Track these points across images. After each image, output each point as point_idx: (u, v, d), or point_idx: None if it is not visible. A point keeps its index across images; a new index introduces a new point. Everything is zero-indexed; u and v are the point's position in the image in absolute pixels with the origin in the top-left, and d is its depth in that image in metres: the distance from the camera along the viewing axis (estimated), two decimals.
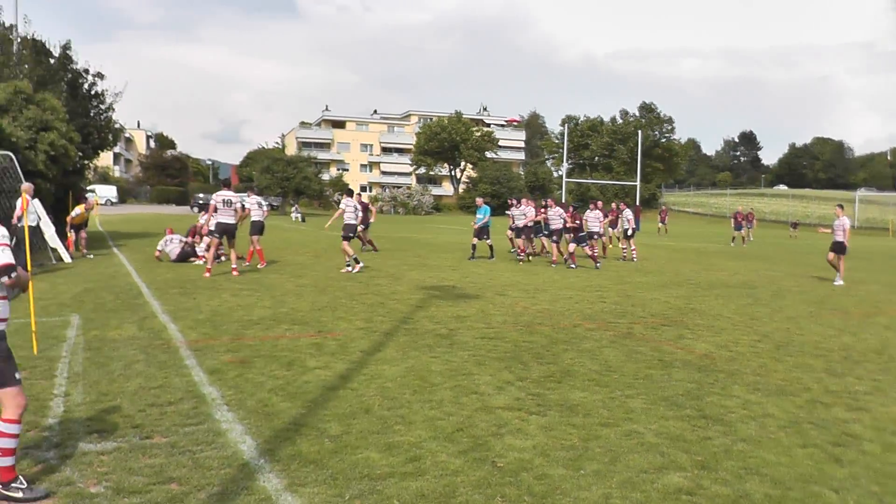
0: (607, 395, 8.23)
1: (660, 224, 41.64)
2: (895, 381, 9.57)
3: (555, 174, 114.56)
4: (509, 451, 6.22)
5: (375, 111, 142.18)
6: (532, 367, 9.42)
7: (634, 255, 27.38)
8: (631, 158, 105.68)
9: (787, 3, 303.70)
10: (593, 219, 25.89)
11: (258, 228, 20.91)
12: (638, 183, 77.66)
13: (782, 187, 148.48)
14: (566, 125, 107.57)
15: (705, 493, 5.58)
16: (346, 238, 20.51)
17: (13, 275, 5.10)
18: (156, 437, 6.34)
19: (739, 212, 43.27)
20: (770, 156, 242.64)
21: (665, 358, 10.30)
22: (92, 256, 22.10)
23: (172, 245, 21.70)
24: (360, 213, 22.72)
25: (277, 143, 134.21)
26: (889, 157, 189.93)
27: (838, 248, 21.53)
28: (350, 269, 19.96)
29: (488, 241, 25.06)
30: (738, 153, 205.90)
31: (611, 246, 31.81)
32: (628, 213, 27.13)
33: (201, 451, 6.04)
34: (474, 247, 25.59)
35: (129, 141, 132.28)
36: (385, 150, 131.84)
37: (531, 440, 6.53)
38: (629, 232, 27.69)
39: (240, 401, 7.48)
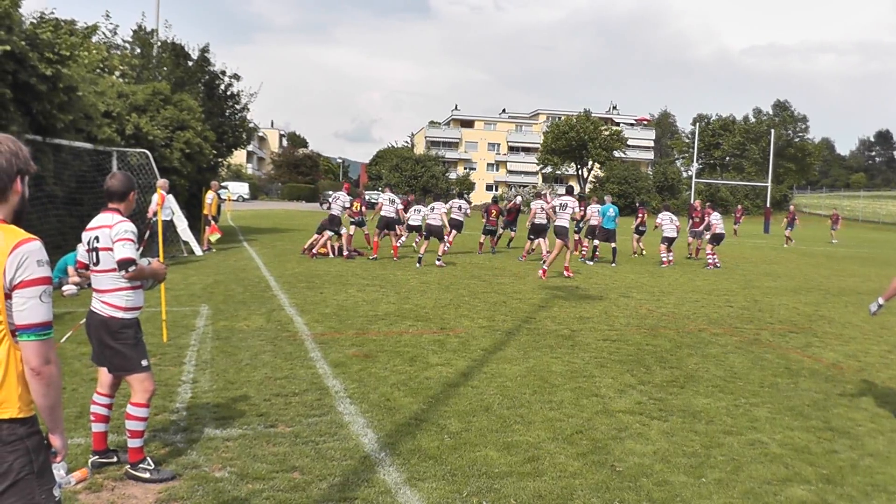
0: (731, 402, 8.07)
1: (786, 231, 40.20)
2: None
3: (684, 174, 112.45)
4: (629, 456, 6.17)
5: (504, 110, 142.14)
6: (655, 371, 9.30)
7: (716, 261, 24.53)
8: (763, 158, 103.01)
9: None
10: (667, 221, 24.54)
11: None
12: (769, 184, 75.42)
13: None
14: (697, 124, 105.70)
15: None
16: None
17: (132, 269, 5.32)
18: (280, 426, 6.52)
19: (791, 211, 42.77)
20: None
21: (792, 366, 10.03)
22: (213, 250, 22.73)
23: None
24: (399, 207, 23.81)
25: (406, 142, 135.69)
26: None
27: None
28: (439, 262, 20.74)
29: (613, 244, 24.41)
30: (874, 153, 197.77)
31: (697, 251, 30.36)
32: (715, 217, 25.76)
33: (324, 441, 6.19)
34: (595, 248, 24.79)
35: (262, 139, 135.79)
36: (512, 149, 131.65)
37: (652, 445, 6.46)
38: (708, 235, 25.85)
39: (362, 394, 7.63)
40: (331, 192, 33.26)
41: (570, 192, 20.94)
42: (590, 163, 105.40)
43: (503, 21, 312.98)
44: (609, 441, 6.51)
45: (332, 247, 22.09)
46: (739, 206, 49.95)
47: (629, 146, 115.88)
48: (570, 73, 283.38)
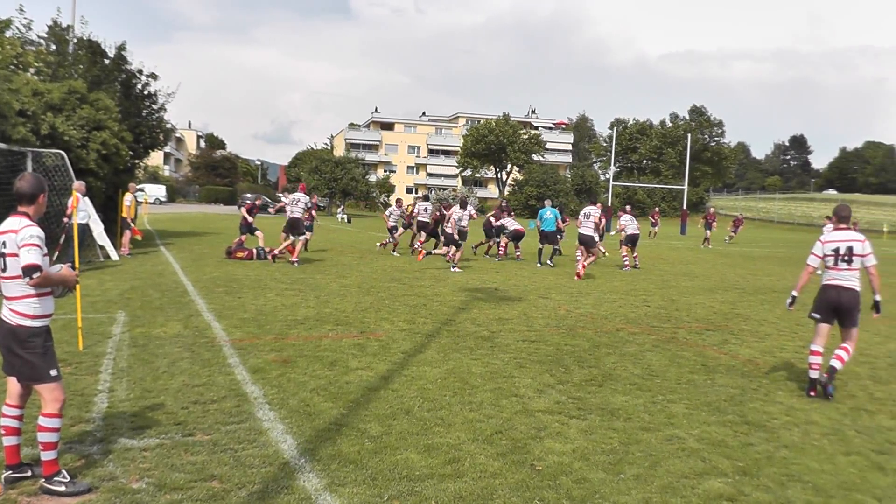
0: (649, 399, 8.19)
1: (706, 232, 41.20)
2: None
3: (602, 177, 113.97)
4: (549, 455, 6.21)
5: (424, 113, 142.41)
6: (573, 370, 9.39)
7: (636, 262, 24.93)
8: (679, 162, 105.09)
9: (843, 5, 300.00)
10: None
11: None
12: (685, 187, 76.90)
13: (832, 192, 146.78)
14: (615, 128, 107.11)
15: (747, 499, 5.56)
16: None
17: (36, 275, 5.16)
18: (198, 435, 6.41)
19: (711, 213, 44.31)
20: (820, 160, 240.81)
21: (708, 363, 10.23)
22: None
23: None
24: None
25: (326, 144, 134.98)
26: None
27: None
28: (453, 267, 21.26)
29: (555, 247, 24.52)
30: (788, 157, 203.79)
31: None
32: (625, 219, 26.02)
33: (243, 449, 6.10)
34: (541, 251, 24.81)
35: (179, 141, 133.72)
36: (432, 152, 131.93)
37: (571, 444, 6.52)
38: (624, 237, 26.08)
39: (282, 400, 7.54)
40: (249, 195, 32.61)
41: (593, 201, 21.72)
42: (509, 166, 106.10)
43: (424, 24, 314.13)
44: (529, 440, 6.55)
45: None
46: (656, 209, 50.80)
47: (548, 149, 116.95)
48: (491, 76, 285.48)
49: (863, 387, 9.37)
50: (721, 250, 38.99)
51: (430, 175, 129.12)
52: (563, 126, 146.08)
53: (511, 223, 26.42)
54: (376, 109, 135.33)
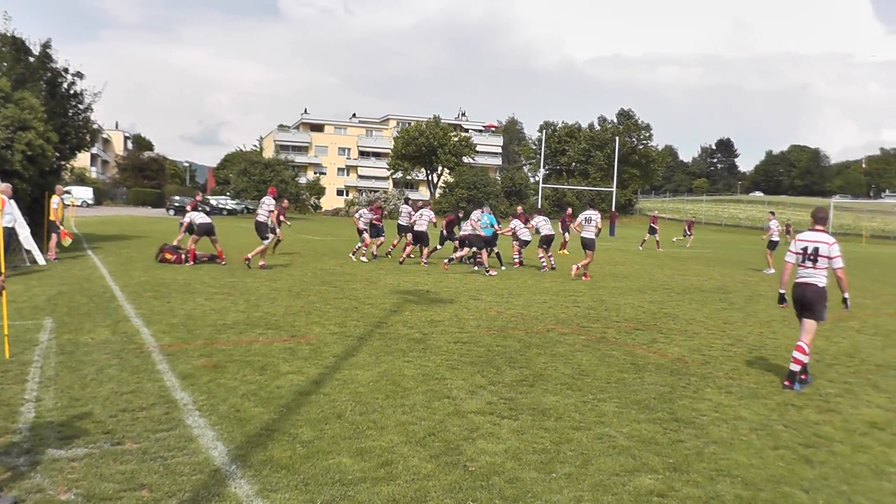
0: (580, 398, 8.27)
1: (655, 237, 41.76)
2: (866, 384, 9.73)
3: (531, 179, 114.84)
4: (481, 455, 6.23)
5: (354, 115, 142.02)
6: (505, 371, 9.44)
7: (552, 264, 25.06)
8: (608, 165, 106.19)
9: (767, 13, 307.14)
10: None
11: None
12: (614, 189, 77.89)
13: (758, 194, 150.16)
14: (544, 131, 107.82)
15: (677, 494, 5.64)
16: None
17: None
18: (127, 443, 6.30)
19: (655, 216, 45.11)
20: (747, 163, 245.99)
21: (638, 362, 10.36)
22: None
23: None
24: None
25: (255, 145, 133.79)
26: (864, 165, 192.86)
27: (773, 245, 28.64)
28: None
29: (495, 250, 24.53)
30: (715, 160, 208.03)
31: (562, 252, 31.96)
32: (538, 220, 26.29)
33: (173, 457, 6.01)
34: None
35: (106, 142, 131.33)
36: (363, 154, 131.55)
37: (503, 444, 6.55)
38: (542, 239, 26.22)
39: (212, 406, 7.45)
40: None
41: (592, 206, 22.79)
42: (439, 168, 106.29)
43: (353, 25, 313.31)
44: (461, 442, 6.57)
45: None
46: (569, 209, 51.18)
47: (478, 152, 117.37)
48: (421, 78, 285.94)
49: None
50: (650, 251, 39.51)
51: (361, 177, 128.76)
52: (493, 129, 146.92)
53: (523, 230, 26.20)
54: (306, 111, 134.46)
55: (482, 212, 23.48)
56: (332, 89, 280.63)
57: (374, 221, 26.09)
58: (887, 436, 7.52)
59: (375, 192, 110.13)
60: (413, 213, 25.64)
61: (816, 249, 9.44)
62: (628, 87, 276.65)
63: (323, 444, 6.37)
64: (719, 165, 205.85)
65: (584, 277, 21.79)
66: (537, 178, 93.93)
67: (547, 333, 12.37)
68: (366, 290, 16.92)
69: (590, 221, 21.86)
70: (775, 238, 29.06)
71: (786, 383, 9.28)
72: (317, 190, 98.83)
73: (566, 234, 34.49)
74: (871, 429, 7.72)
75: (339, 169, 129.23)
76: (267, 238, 21.49)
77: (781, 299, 10.17)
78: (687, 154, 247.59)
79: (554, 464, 6.13)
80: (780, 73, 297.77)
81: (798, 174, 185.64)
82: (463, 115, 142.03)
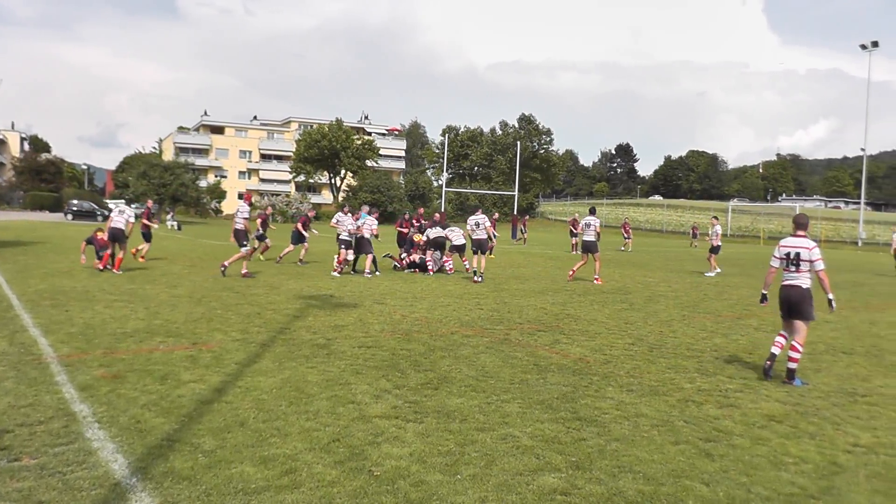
0: (484, 400, 8.32)
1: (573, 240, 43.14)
2: (764, 379, 10.01)
3: (435, 183, 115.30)
4: (386, 460, 6.22)
5: (255, 117, 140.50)
6: (409, 374, 9.44)
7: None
8: (510, 169, 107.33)
9: (664, 23, 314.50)
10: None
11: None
12: (516, 193, 78.72)
13: (657, 198, 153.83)
14: (447, 135, 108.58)
15: (580, 492, 5.71)
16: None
17: None
18: (24, 459, 6.09)
19: (575, 219, 46.45)
20: (646, 167, 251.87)
21: (541, 363, 10.48)
22: None
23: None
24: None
25: (154, 148, 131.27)
26: (761, 170, 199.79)
27: (716, 249, 28.81)
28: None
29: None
30: (615, 164, 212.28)
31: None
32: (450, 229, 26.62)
33: (72, 471, 5.84)
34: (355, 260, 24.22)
35: (2, 143, 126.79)
36: (264, 157, 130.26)
37: (408, 448, 6.55)
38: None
39: (112, 418, 7.26)
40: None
41: (592, 212, 24.14)
42: (342, 171, 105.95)
43: (254, 26, 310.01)
44: (366, 447, 6.54)
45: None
46: (496, 214, 51.61)
47: (381, 155, 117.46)
48: (323, 81, 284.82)
49: (690, 379, 9.84)
50: (550, 254, 40.04)
51: (263, 180, 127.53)
52: (396, 132, 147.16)
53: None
54: (206, 113, 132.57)
55: (362, 212, 23.54)
56: (233, 91, 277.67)
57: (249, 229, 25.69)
58: (785, 428, 7.77)
59: (277, 195, 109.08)
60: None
61: (798, 254, 10.06)
62: (529, 93, 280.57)
63: (225, 454, 6.27)
64: (619, 170, 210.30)
65: (596, 281, 23.18)
66: (440, 182, 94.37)
67: (451, 336, 12.42)
68: (268, 296, 16.74)
69: (589, 226, 23.28)
70: (717, 243, 29.31)
71: (785, 380, 9.84)
72: (217, 194, 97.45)
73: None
74: (769, 422, 7.98)
75: (240, 172, 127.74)
76: (245, 245, 21.17)
77: (763, 299, 10.88)
78: (587, 159, 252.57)
79: (459, 465, 6.16)
80: (678, 80, 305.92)
81: (696, 178, 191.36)
82: (366, 118, 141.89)
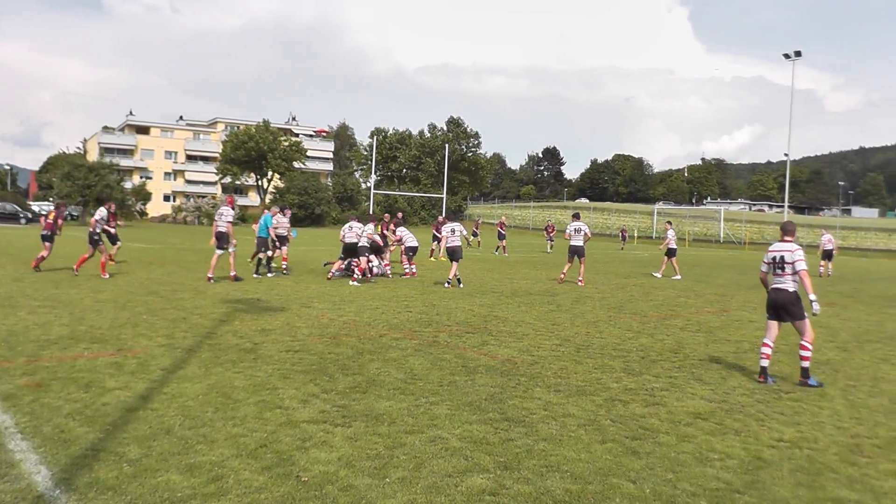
0: (412, 402, 8.36)
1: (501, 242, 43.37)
2: (690, 377, 10.30)
3: (363, 185, 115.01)
4: (314, 465, 6.21)
5: (181, 117, 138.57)
6: (338, 378, 9.43)
7: (412, 270, 25.66)
8: (438, 171, 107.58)
9: (591, 30, 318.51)
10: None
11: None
12: (444, 195, 78.92)
13: (584, 200, 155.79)
14: (375, 137, 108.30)
15: (508, 492, 5.77)
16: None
17: None
18: None
19: (503, 222, 47.09)
20: (573, 170, 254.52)
21: (469, 364, 10.55)
22: None
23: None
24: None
25: (79, 148, 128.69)
26: (686, 174, 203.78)
27: (672, 252, 29.64)
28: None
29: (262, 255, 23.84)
30: (542, 168, 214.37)
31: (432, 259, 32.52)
32: (402, 231, 26.91)
33: None
34: (266, 261, 23.61)
35: None
36: (190, 158, 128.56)
37: (336, 452, 6.55)
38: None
39: (35, 428, 7.12)
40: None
41: (577, 217, 25.31)
42: (270, 173, 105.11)
43: (181, 24, 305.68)
44: (294, 452, 6.52)
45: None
46: (440, 217, 51.60)
47: (309, 157, 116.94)
48: (250, 81, 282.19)
49: (617, 379, 10.02)
50: (479, 256, 40.24)
51: (189, 182, 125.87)
52: (324, 134, 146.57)
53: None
54: (131, 112, 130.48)
55: (268, 214, 23.43)
56: (159, 90, 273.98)
57: (108, 228, 25.27)
58: (710, 425, 7.96)
59: (203, 197, 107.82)
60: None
61: (782, 258, 10.50)
62: (458, 96, 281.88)
63: (151, 462, 6.20)
64: (546, 173, 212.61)
65: (579, 283, 24.41)
66: (369, 184, 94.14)
67: (379, 339, 12.43)
68: (194, 300, 16.55)
69: (579, 232, 24.63)
70: (673, 245, 30.00)
71: (800, 380, 10.24)
72: (143, 195, 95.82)
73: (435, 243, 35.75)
74: (694, 419, 8.16)
75: (165, 173, 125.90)
76: (225, 248, 21.16)
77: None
78: (515, 162, 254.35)
79: (387, 469, 6.18)
80: (605, 85, 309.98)
81: (623, 182, 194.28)
82: (293, 119, 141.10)
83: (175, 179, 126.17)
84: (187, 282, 20.52)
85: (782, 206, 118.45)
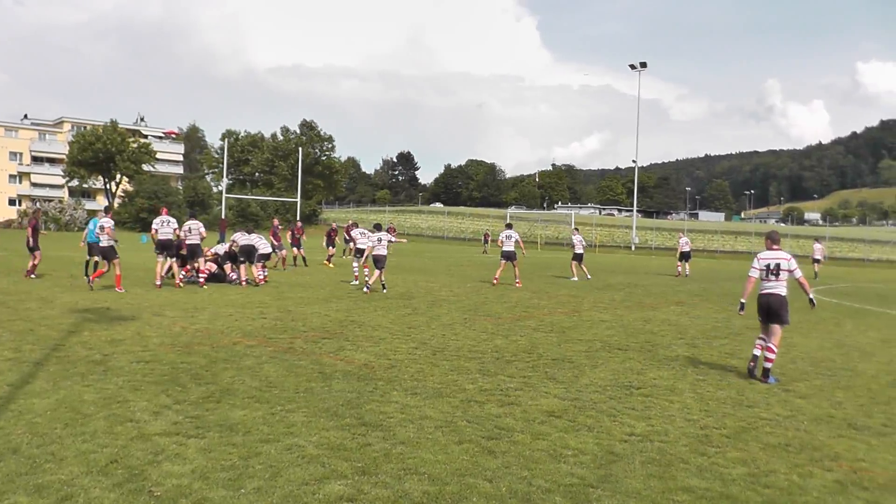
0: (268, 411, 8.33)
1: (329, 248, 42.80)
2: (543, 377, 10.62)
3: (215, 189, 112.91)
4: (167, 479, 6.12)
5: (26, 116, 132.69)
6: (190, 388, 9.30)
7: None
8: (292, 175, 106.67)
9: (444, 33, 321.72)
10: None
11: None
12: (299, 199, 78.19)
13: (438, 205, 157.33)
14: (226, 140, 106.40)
15: (366, 497, 5.85)
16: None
17: None
18: None
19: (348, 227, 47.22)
20: (427, 175, 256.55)
21: (325, 370, 10.57)
22: None
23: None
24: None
25: None
26: (537, 179, 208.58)
27: (578, 257, 31.34)
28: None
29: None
30: (397, 172, 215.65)
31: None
32: (356, 233, 27.45)
33: None
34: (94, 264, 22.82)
35: None
36: (36, 160, 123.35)
37: (189, 464, 6.48)
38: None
39: None
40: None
41: (509, 227, 28.39)
42: (118, 176, 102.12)
43: (23, 17, 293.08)
44: (146, 466, 6.41)
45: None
46: (299, 223, 50.79)
47: (158, 159, 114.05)
48: (96, 79, 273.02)
49: (472, 380, 10.24)
50: (337, 260, 40.12)
51: (35, 185, 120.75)
52: (174, 136, 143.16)
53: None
54: None
55: (96, 218, 22.92)
56: (1, 86, 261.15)
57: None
58: (563, 422, 8.24)
59: (50, 200, 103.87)
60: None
61: (778, 265, 11.35)
62: (311, 99, 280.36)
63: None
64: (401, 177, 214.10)
65: (517, 284, 26.79)
66: (221, 188, 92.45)
67: (233, 347, 12.30)
68: (41, 311, 15.96)
69: (510, 238, 27.33)
70: (579, 251, 31.56)
71: (762, 379, 10.92)
72: None
73: (295, 248, 35.66)
74: (548, 417, 8.44)
75: (10, 176, 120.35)
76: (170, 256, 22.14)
77: (742, 307, 11.93)
78: (370, 166, 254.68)
79: (243, 479, 6.15)
80: (457, 92, 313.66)
81: (476, 186, 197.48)
82: (142, 120, 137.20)
83: (20, 182, 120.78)
84: (34, 291, 19.76)
85: (631, 210, 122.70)
